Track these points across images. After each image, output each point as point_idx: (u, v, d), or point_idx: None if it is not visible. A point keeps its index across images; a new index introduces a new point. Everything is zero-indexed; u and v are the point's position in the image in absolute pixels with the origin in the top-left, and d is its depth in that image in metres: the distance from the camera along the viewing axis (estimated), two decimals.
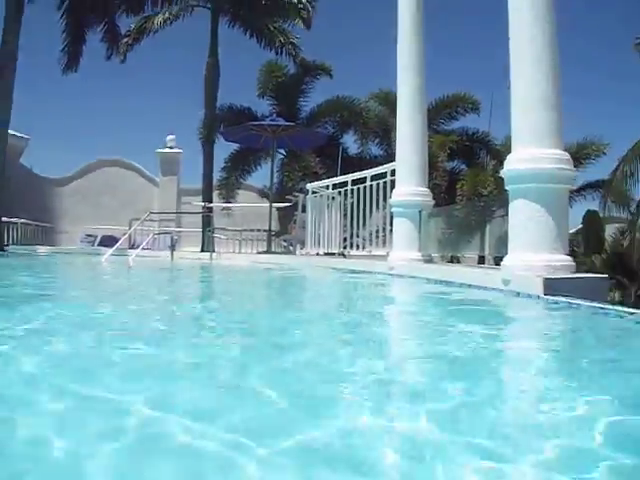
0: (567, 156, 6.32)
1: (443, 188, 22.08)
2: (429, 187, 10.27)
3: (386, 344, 3.99)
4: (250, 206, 22.20)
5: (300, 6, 23.79)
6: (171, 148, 30.59)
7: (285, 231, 18.59)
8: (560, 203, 6.25)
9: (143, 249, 15.37)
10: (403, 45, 10.10)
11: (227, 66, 24.72)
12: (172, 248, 15.86)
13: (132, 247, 16.82)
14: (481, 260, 11.96)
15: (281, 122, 17.90)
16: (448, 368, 2.96)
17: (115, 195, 29.83)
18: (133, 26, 24.57)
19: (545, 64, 6.32)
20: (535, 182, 6.13)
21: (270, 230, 17.34)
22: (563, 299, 5.25)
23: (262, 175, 26.94)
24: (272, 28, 24.86)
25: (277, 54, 25.55)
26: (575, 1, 29.97)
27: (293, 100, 27.01)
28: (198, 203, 21.91)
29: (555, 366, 3.36)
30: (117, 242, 15.50)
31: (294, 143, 19.90)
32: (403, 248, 9.73)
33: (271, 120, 18.70)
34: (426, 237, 9.91)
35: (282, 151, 24.79)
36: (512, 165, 6.42)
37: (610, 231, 21.72)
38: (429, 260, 9.81)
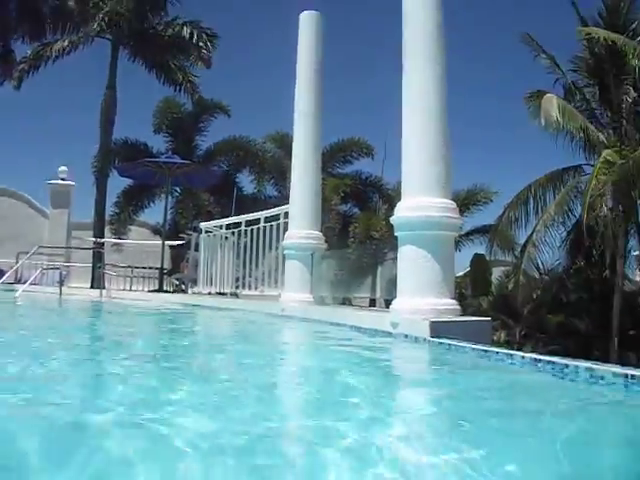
0: (454, 205, 6.60)
1: (336, 231, 22.38)
2: (322, 229, 10.46)
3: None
4: (142, 243, 21.83)
5: (201, 44, 23.86)
6: (63, 180, 29.76)
7: (177, 269, 18.41)
8: (446, 249, 6.50)
9: (31, 284, 14.89)
10: (301, 89, 10.35)
11: (125, 99, 24.48)
12: (61, 284, 15.41)
13: (18, 282, 16.26)
14: (372, 302, 12.16)
15: (177, 160, 17.80)
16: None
17: (2, 226, 28.70)
18: (30, 52, 24.00)
19: (435, 116, 6.61)
20: (423, 229, 6.37)
21: (162, 268, 17.11)
22: (448, 341, 5.45)
23: (156, 212, 26.67)
24: (172, 65, 24.84)
25: (176, 91, 25.51)
26: (463, 51, 31.29)
27: (190, 137, 26.98)
28: (89, 238, 21.41)
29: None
30: (3, 276, 14.97)
31: (189, 181, 19.84)
32: (295, 290, 9.83)
33: (167, 157, 18.60)
34: (318, 279, 10.04)
35: (177, 188, 24.63)
36: (401, 213, 6.65)
37: (496, 274, 22.54)
38: (321, 302, 9.93)
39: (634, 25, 18.17)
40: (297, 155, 10.46)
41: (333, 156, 25.96)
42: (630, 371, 3.73)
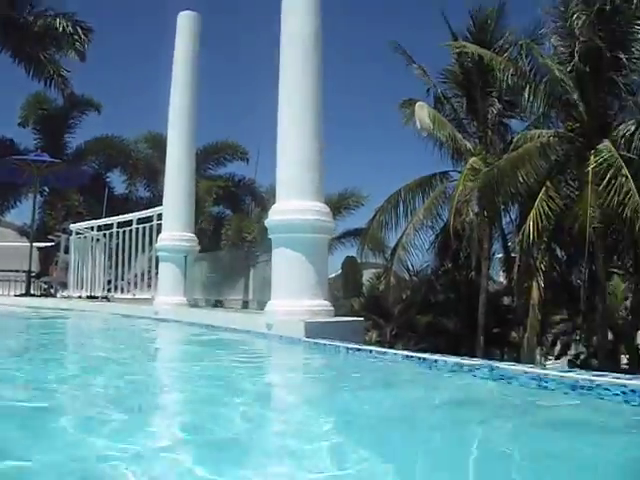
0: (327, 209, 6.72)
1: (209, 233, 22.26)
2: (195, 231, 10.39)
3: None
4: (8, 245, 20.95)
5: (75, 37, 23.02)
6: None
7: (46, 272, 17.75)
8: (320, 252, 6.61)
9: None
10: (176, 88, 10.26)
11: None
12: None
13: None
14: (245, 305, 12.19)
15: (46, 158, 17.18)
16: None
17: None
18: None
19: (310, 121, 6.71)
20: (297, 232, 6.45)
21: (30, 271, 16.47)
22: (323, 341, 5.55)
23: (22, 212, 25.57)
24: (42, 57, 23.81)
25: (46, 85, 24.48)
26: (340, 53, 31.77)
27: (59, 134, 26.04)
28: None
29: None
30: None
31: (58, 181, 19.16)
32: (168, 292, 9.72)
33: (35, 155, 17.91)
34: (191, 281, 9.98)
35: (45, 188, 23.75)
36: (276, 216, 6.71)
37: (367, 276, 23.03)
38: (194, 304, 9.88)
39: (500, 42, 19.01)
40: (171, 155, 10.34)
41: (206, 158, 25.76)
42: (494, 363, 3.99)
